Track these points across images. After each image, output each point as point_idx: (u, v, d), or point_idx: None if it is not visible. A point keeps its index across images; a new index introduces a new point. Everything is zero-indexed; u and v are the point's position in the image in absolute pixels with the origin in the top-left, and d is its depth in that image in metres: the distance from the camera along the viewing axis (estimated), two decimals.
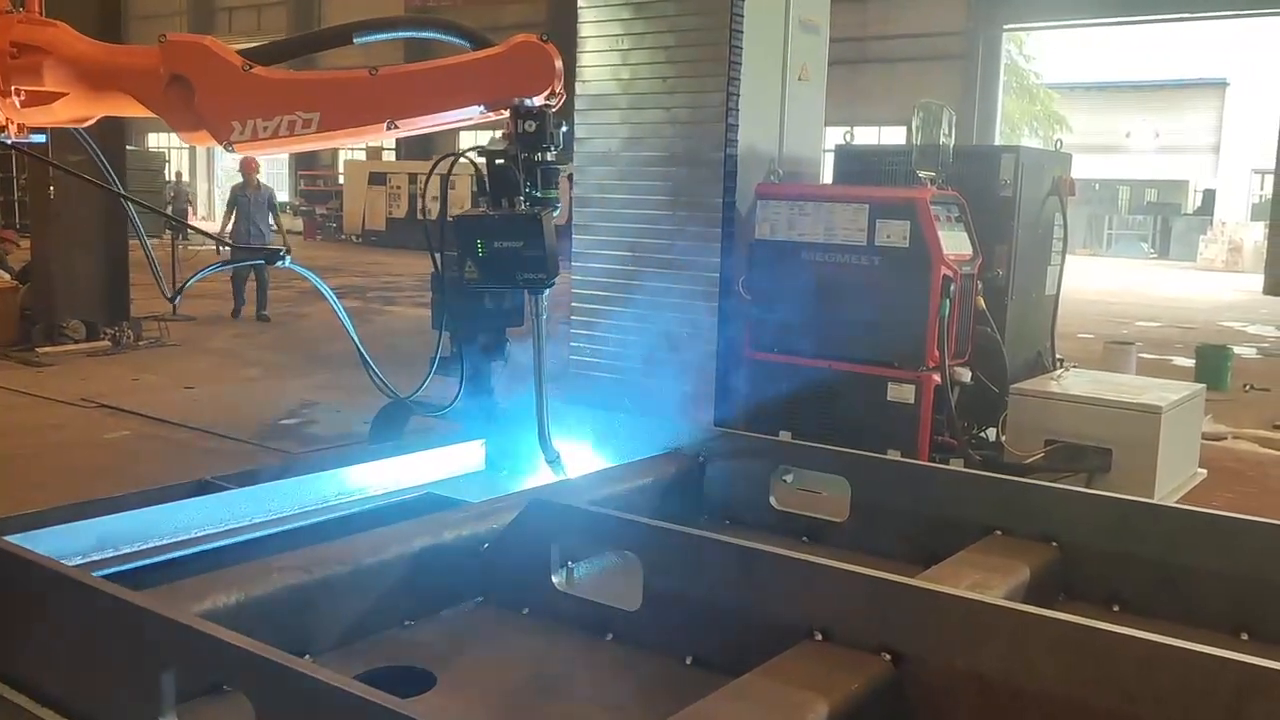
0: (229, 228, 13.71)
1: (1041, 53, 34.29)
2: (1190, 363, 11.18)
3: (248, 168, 13.80)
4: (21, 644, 2.05)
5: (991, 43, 27.67)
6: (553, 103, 2.64)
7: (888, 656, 2.08)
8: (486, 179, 2.71)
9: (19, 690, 1.99)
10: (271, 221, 14.04)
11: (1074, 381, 5.61)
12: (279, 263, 2.88)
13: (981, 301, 5.51)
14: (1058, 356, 6.40)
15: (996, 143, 25.13)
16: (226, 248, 11.51)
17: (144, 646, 1.84)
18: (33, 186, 12.73)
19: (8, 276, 12.09)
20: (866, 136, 23.63)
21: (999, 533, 2.86)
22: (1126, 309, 19.18)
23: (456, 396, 3.26)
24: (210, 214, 38.56)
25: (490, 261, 2.72)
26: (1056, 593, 2.73)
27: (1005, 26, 28.07)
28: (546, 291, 2.80)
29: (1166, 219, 38.62)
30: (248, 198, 13.63)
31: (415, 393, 3.12)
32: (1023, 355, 6.00)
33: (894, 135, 22.37)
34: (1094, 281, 23.56)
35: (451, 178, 3.17)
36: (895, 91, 24.39)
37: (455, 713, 2.12)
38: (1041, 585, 2.65)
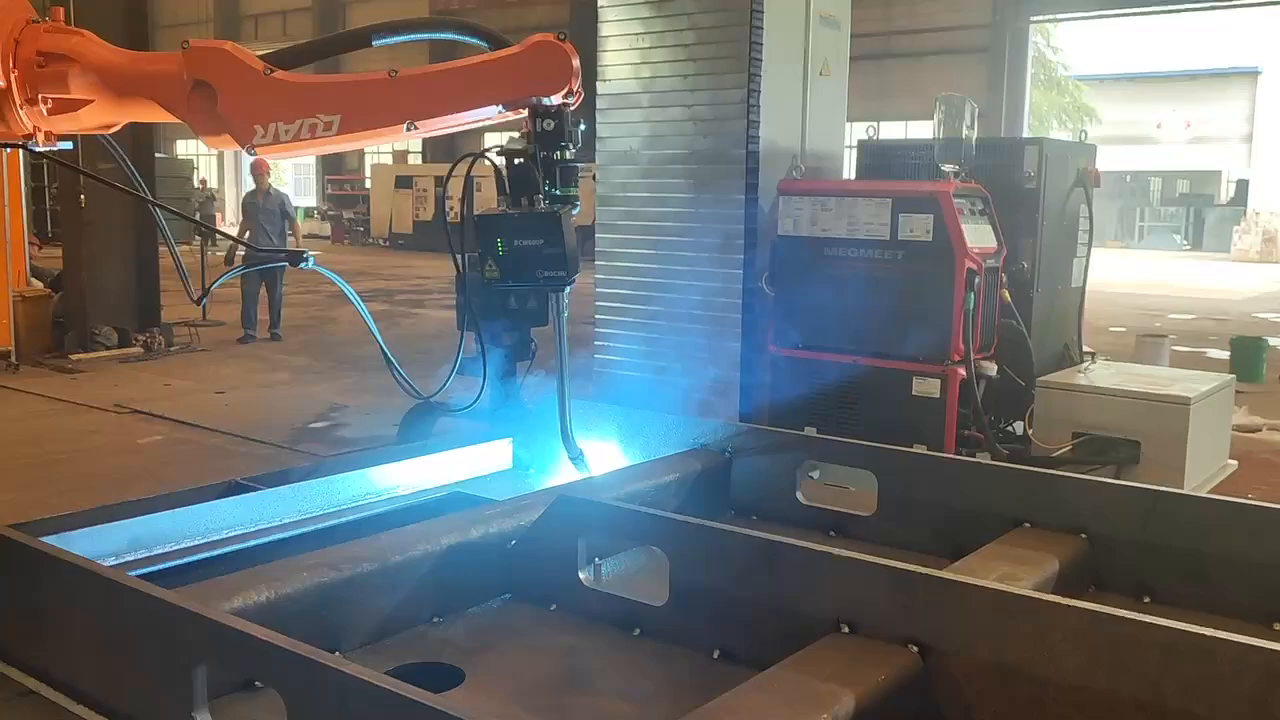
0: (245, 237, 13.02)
1: (1069, 44, 34.01)
2: (1225, 355, 11.07)
3: (258, 171, 13.10)
4: (58, 642, 2.08)
5: (1018, 35, 27.50)
6: (571, 101, 2.65)
7: (914, 648, 2.07)
8: (506, 178, 2.73)
9: (55, 688, 2.02)
10: (287, 229, 13.24)
11: (1101, 374, 5.57)
12: (303, 264, 2.91)
13: (1007, 294, 5.48)
14: (1086, 349, 6.36)
15: (1025, 136, 24.95)
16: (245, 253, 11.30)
17: (178, 644, 1.86)
18: (64, 195, 12.88)
19: (41, 284, 12.24)
20: (893, 131, 23.55)
21: (1027, 525, 2.85)
22: (1159, 302, 19.01)
23: (479, 395, 3.28)
24: (239, 220, 38.95)
25: (510, 259, 2.74)
26: (1086, 584, 2.71)
27: (1032, 18, 27.89)
28: (568, 289, 2.81)
29: (1199, 210, 38.22)
30: (257, 204, 12.92)
31: (438, 392, 3.14)
32: (1049, 348, 5.96)
33: (921, 130, 22.28)
34: (1126, 274, 23.37)
35: (477, 179, 3.19)
36: (921, 86, 24.28)
37: (485, 708, 2.13)
38: (1070, 577, 2.63)
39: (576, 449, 3.08)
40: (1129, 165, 36.42)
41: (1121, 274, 22.95)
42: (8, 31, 2.55)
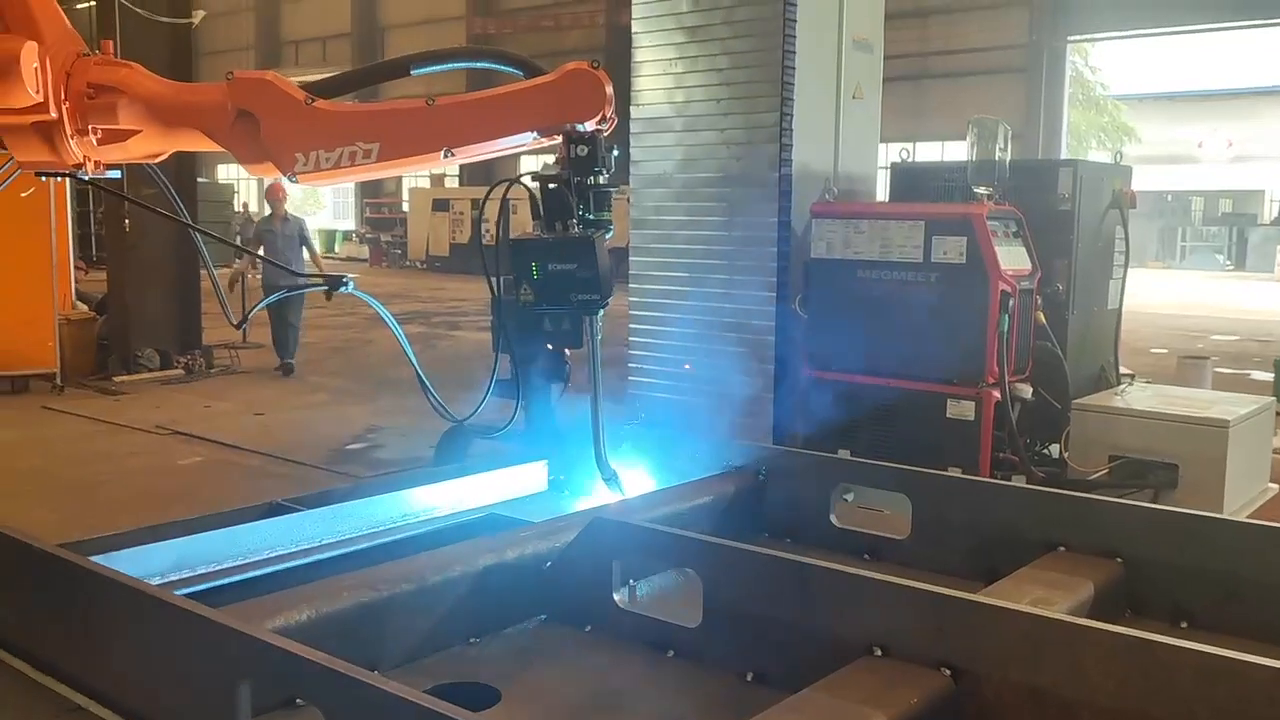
0: (256, 268, 11.91)
1: (1108, 63, 33.76)
2: (1270, 377, 10.92)
3: (274, 196, 12.21)
4: (105, 659, 2.12)
5: (1055, 55, 27.36)
6: (604, 127, 2.69)
7: (947, 671, 2.08)
8: (540, 203, 2.77)
9: (102, 704, 2.07)
10: (306, 257, 12.26)
11: (1138, 396, 5.53)
12: (342, 288, 2.96)
13: (1042, 316, 5.46)
14: (1123, 371, 6.32)
15: (1063, 157, 24.80)
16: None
17: (221, 661, 1.89)
18: (109, 220, 13.12)
19: (86, 308, 12.45)
20: (930, 152, 23.48)
21: (1062, 549, 2.84)
22: (1201, 323, 18.78)
23: (512, 418, 3.32)
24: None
25: (545, 283, 2.78)
26: (1122, 609, 2.70)
27: (1069, 38, 27.74)
28: (601, 312, 2.84)
29: (1242, 230, 37.78)
30: (274, 231, 11.87)
31: (471, 415, 3.18)
32: (1086, 370, 5.92)
33: (957, 151, 22.19)
34: (1167, 295, 23.14)
35: (513, 203, 3.23)
36: (958, 106, 24.18)
37: None
38: (1106, 601, 2.62)
39: (610, 470, 3.10)
40: (1170, 185, 36.08)
41: (1163, 295, 22.73)
42: (60, 65, 2.63)
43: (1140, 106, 35.08)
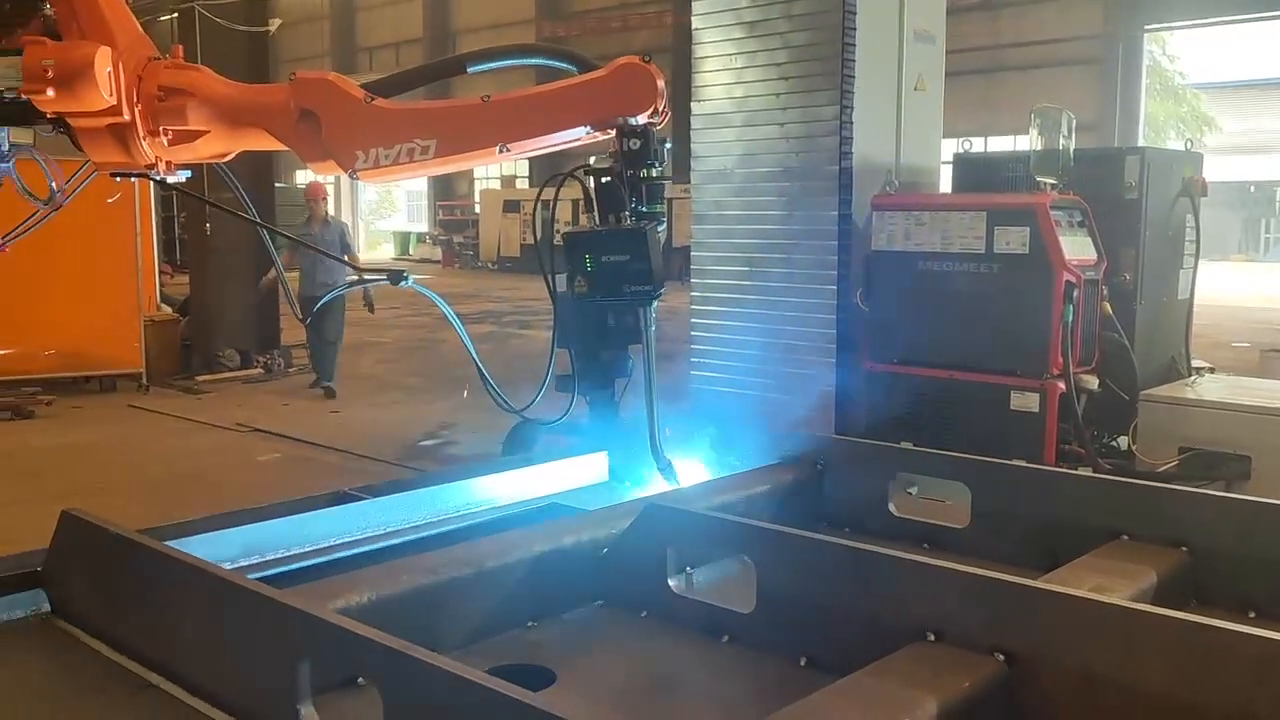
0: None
1: (1186, 52, 32.93)
2: None
3: (313, 197, 11.43)
4: (177, 639, 2.20)
5: (1132, 44, 26.77)
6: (656, 121, 2.72)
7: (1000, 657, 2.07)
8: (594, 196, 2.81)
9: (174, 682, 2.14)
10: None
11: (1209, 387, 5.41)
12: (402, 283, 3.03)
13: (1108, 307, 5.37)
14: (1200, 364, 6.19)
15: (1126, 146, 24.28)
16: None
17: (285, 641, 1.95)
18: (191, 225, 13.49)
19: (170, 309, 12.81)
20: (1002, 145, 23.11)
21: (1125, 537, 2.80)
22: None
23: (568, 409, 3.37)
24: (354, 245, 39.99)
25: (598, 275, 2.81)
26: (1187, 598, 2.65)
27: (1146, 27, 27.12)
28: (654, 303, 2.87)
29: None
30: (312, 235, 10.88)
31: (529, 406, 3.23)
32: (1155, 361, 5.82)
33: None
34: (1250, 288, 22.52)
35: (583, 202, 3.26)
36: (1033, 98, 23.69)
37: (577, 707, 2.19)
38: (1170, 590, 2.58)
39: (665, 460, 3.13)
40: (1253, 175, 35.05)
41: (1246, 287, 22.13)
42: (132, 69, 2.74)
43: (1221, 95, 34.15)
